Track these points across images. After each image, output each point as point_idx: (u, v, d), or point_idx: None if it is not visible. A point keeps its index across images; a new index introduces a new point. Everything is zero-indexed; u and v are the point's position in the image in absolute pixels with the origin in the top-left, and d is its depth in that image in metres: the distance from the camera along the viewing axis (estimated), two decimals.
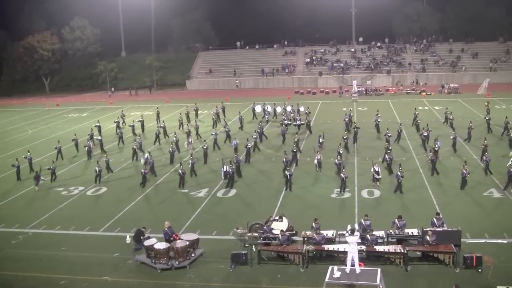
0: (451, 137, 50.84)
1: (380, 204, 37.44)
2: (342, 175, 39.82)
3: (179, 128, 65.41)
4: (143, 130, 66.60)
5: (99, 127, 64.58)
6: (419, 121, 58.63)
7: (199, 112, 75.34)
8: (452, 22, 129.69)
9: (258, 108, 72.43)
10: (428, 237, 27.76)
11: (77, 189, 43.97)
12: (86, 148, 54.68)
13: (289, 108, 70.63)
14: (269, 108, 72.52)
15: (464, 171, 38.98)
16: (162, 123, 65.58)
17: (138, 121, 67.35)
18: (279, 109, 71.92)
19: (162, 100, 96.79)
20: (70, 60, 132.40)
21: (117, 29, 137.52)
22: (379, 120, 60.25)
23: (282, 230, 29.52)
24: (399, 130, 54.83)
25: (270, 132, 61.62)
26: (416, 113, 62.59)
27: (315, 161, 45.78)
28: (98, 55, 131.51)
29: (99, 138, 59.21)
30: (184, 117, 69.52)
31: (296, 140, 52.18)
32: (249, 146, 50.56)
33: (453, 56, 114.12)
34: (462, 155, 48.54)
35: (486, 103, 67.00)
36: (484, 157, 43.11)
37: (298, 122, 63.87)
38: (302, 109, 70.20)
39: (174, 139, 54.79)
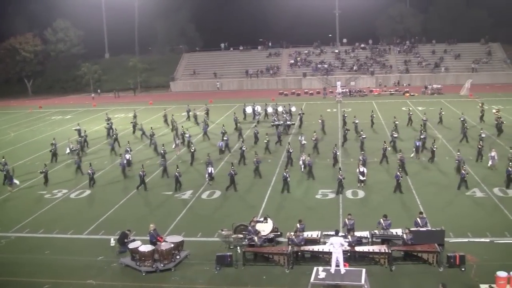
0: (421, 137, 51.27)
1: (365, 204, 37.61)
2: (339, 176, 39.78)
3: (172, 130, 65.29)
4: (134, 131, 66.47)
5: (79, 130, 63.79)
6: (397, 122, 58.58)
7: (183, 114, 75.18)
8: (435, 23, 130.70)
9: (249, 109, 72.40)
10: (405, 236, 28.04)
11: (60, 192, 43.69)
12: (76, 151, 54.21)
13: (280, 109, 70.79)
14: (259, 109, 72.53)
15: (463, 171, 39.26)
16: (140, 125, 65.40)
17: (131, 122, 67.25)
18: (270, 110, 71.91)
19: (146, 102, 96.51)
20: (53, 62, 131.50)
21: (101, 31, 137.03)
22: (356, 121, 60.58)
23: (259, 232, 29.64)
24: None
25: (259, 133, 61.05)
26: (411, 113, 63.53)
27: (301, 162, 45.90)
28: (81, 57, 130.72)
29: (79, 140, 58.67)
30: (169, 119, 69.45)
31: (266, 141, 52.84)
32: (244, 149, 50.28)
33: (436, 57, 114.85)
34: (446, 154, 48.90)
35: (480, 104, 67.08)
36: (457, 157, 43.56)
37: (288, 123, 63.85)
38: (293, 109, 70.64)
39: (150, 141, 54.56)
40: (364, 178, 41.05)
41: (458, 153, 44.27)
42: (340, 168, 41.62)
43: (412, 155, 48.51)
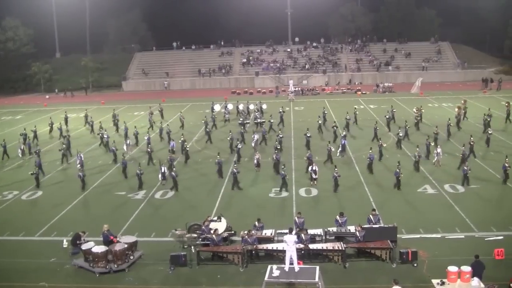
0: (343, 135, 52.35)
1: (318, 202, 37.94)
2: (335, 174, 39.77)
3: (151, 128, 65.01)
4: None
5: (25, 136, 60.15)
6: (320, 122, 60.50)
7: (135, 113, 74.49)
8: (386, 22, 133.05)
9: (217, 107, 72.07)
10: (357, 233, 28.39)
11: (11, 194, 42.88)
12: (61, 151, 52.62)
13: (252, 107, 70.67)
14: (230, 107, 72.45)
15: (466, 167, 39.91)
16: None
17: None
18: (241, 107, 71.88)
19: (98, 102, 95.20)
20: (2, 61, 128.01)
21: (51, 30, 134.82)
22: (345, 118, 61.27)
23: (216, 230, 29.58)
24: (376, 128, 55.51)
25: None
26: (394, 110, 63.99)
27: (255, 161, 45.96)
28: (31, 56, 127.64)
29: (22, 147, 55.27)
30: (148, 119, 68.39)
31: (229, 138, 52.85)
32: (240, 146, 49.98)
33: (387, 55, 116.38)
34: (398, 152, 49.54)
35: (462, 101, 67.55)
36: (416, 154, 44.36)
37: (259, 120, 63.92)
38: (264, 106, 71.50)
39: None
40: (316, 176, 41.36)
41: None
42: (335, 166, 41.56)
43: (338, 154, 49.32)
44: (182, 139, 52.74)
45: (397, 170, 39.72)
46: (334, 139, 54.64)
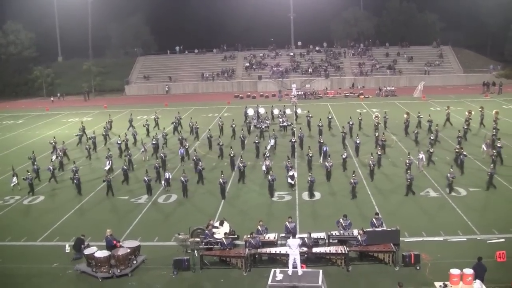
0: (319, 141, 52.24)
1: (321, 206, 37.88)
2: (352, 180, 39.25)
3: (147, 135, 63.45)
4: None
5: (53, 146, 58.12)
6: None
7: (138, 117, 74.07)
8: (388, 26, 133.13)
9: (251, 111, 71.36)
10: (359, 237, 28.40)
11: (13, 199, 42.91)
12: (59, 158, 51.76)
13: (288, 111, 70.58)
14: (262, 111, 71.79)
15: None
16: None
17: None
18: (276, 112, 70.86)
19: (101, 106, 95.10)
20: (4, 65, 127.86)
21: (53, 34, 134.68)
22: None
23: (225, 233, 29.55)
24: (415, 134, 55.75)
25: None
26: (421, 116, 63.26)
27: (264, 167, 45.51)
28: (33, 60, 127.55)
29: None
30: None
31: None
32: (310, 155, 47.17)
33: (390, 59, 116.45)
34: (400, 156, 49.49)
35: (494, 111, 66.09)
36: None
37: (285, 124, 63.97)
38: (299, 111, 71.78)
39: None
40: (293, 181, 41.53)
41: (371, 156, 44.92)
42: (353, 172, 41.06)
43: (321, 161, 48.88)
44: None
45: (443, 174, 39.67)
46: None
